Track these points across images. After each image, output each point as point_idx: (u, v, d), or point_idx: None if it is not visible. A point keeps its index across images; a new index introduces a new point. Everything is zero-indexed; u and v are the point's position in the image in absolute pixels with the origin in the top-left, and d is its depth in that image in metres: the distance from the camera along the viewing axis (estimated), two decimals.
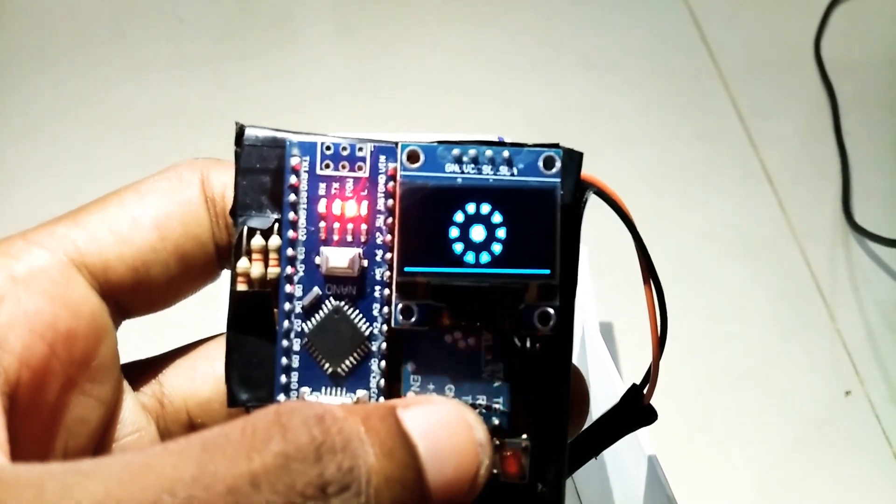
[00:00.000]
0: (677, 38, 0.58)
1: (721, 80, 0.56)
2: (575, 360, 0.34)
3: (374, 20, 0.59)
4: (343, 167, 0.17)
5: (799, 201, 0.49)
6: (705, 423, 0.41)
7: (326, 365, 0.17)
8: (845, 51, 0.57)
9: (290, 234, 0.17)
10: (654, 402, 0.20)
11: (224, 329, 0.18)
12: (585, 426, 0.19)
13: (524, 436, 0.17)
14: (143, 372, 0.18)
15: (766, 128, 0.53)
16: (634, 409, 0.20)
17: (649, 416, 0.20)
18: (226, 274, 0.18)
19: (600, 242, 0.39)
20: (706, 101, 0.55)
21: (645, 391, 0.19)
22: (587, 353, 0.32)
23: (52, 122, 0.53)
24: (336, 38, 0.58)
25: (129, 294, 0.17)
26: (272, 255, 0.17)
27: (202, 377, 0.18)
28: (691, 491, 0.38)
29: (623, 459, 0.28)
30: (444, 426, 0.15)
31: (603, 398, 0.28)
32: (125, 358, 0.18)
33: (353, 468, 0.13)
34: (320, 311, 0.17)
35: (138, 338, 0.20)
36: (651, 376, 0.19)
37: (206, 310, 0.24)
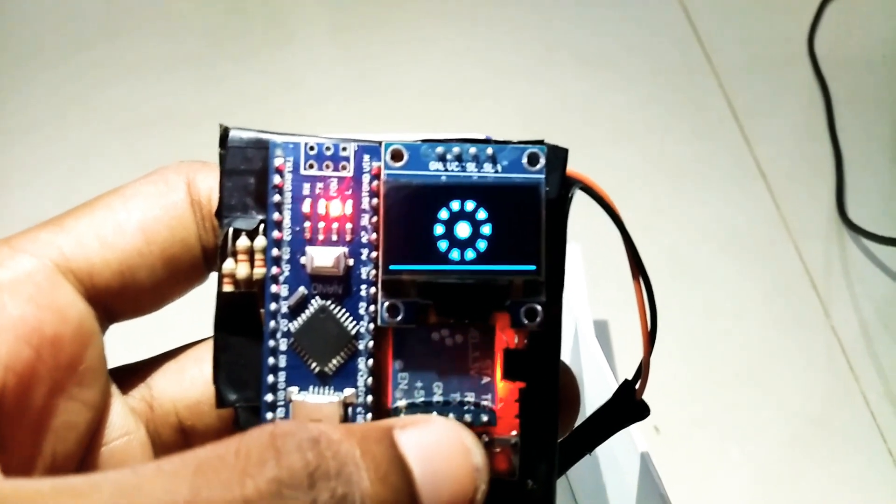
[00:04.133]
0: (672, 36, 0.58)
1: (715, 78, 0.56)
2: (568, 358, 0.34)
3: (369, 20, 0.59)
4: (327, 167, 0.17)
5: (793, 198, 0.49)
6: (700, 420, 0.41)
7: (314, 364, 0.17)
8: (839, 48, 0.57)
9: (275, 234, 0.17)
10: (650, 399, 0.19)
11: (212, 332, 0.18)
12: (578, 423, 0.19)
13: (513, 432, 0.17)
14: (131, 376, 0.18)
15: (761, 125, 0.53)
16: (627, 405, 0.20)
17: (641, 411, 0.20)
18: (213, 277, 0.18)
19: (595, 240, 0.39)
20: (701, 98, 0.55)
21: (637, 387, 0.19)
22: (580, 351, 0.32)
23: (45, 122, 0.53)
24: (330, 38, 0.58)
25: (116, 298, 0.17)
26: (258, 256, 0.17)
27: (191, 380, 0.18)
28: (687, 488, 0.38)
29: (616, 457, 0.28)
30: (440, 449, 0.14)
31: (596, 396, 0.28)
32: (113, 362, 0.18)
33: (347, 494, 0.12)
34: (306, 311, 0.17)
35: (126, 342, 0.20)
36: (642, 372, 0.19)
37: (194, 313, 0.24)
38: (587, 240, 0.38)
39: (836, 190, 0.49)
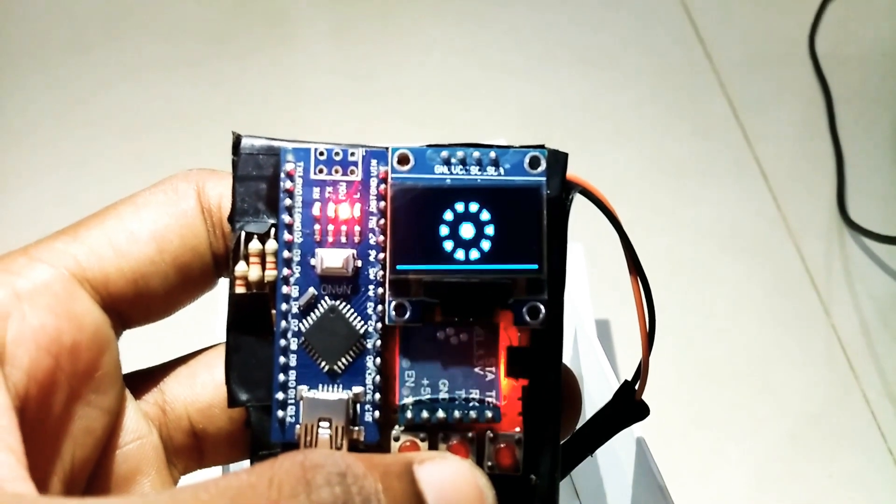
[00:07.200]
0: (672, 35, 0.59)
1: (716, 76, 0.56)
2: (568, 360, 0.34)
3: (369, 20, 0.60)
4: (336, 171, 0.18)
5: (794, 197, 0.50)
6: (700, 419, 0.41)
7: (323, 363, 0.17)
8: (840, 46, 0.57)
9: (286, 236, 0.17)
10: (649, 397, 0.20)
11: (222, 338, 0.18)
12: (579, 425, 0.20)
13: (517, 428, 0.17)
14: (144, 381, 0.19)
15: (761, 123, 0.53)
16: (627, 406, 0.20)
17: (641, 411, 0.20)
18: (223, 283, 0.19)
19: (597, 239, 0.39)
20: (701, 97, 0.55)
21: (636, 387, 0.20)
22: (580, 352, 0.32)
23: (47, 124, 0.53)
24: (331, 39, 0.59)
25: (130, 305, 0.18)
26: (269, 259, 0.18)
27: (202, 384, 0.18)
28: (686, 485, 0.39)
29: (613, 445, 0.28)
30: (456, 488, 0.15)
31: (598, 397, 0.28)
32: (126, 368, 0.18)
33: None
34: (316, 311, 0.17)
35: (139, 348, 0.20)
36: (642, 372, 0.19)
37: (205, 319, 0.25)
38: (589, 240, 0.39)
39: (837, 188, 0.50)
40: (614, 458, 0.29)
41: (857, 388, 0.42)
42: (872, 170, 0.51)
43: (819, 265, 0.47)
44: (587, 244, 0.39)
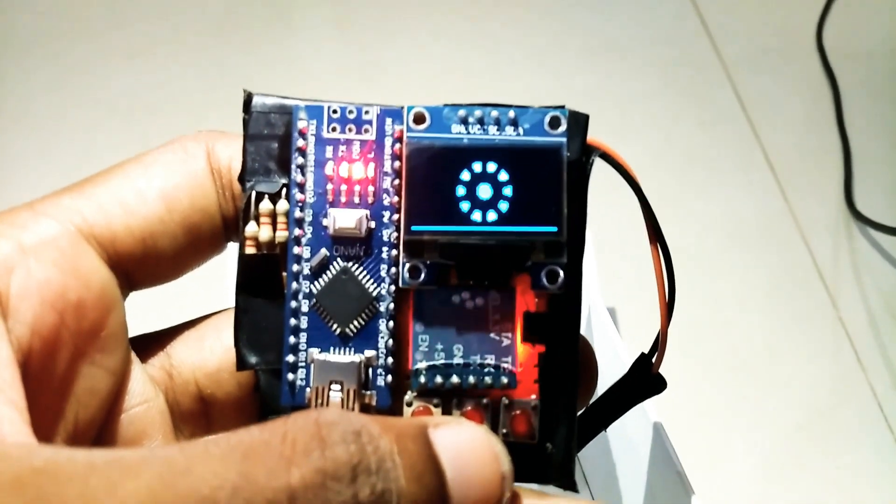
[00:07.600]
0: (679, 27, 0.58)
1: (723, 69, 0.56)
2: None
3: (374, 7, 0.59)
4: (350, 130, 0.17)
5: (801, 190, 0.49)
6: (708, 411, 0.41)
7: (335, 325, 0.17)
8: (847, 40, 0.57)
9: (298, 196, 0.17)
10: None
11: (230, 303, 0.18)
12: (594, 399, 0.19)
13: (533, 396, 0.17)
14: (151, 345, 0.18)
15: (769, 117, 0.53)
16: (643, 379, 0.20)
17: (659, 384, 0.20)
18: (232, 250, 0.18)
19: (603, 230, 0.39)
20: (708, 90, 0.55)
21: (653, 360, 0.19)
22: (593, 332, 0.32)
23: (49, 108, 0.53)
24: (335, 25, 0.58)
25: (137, 265, 0.17)
26: (280, 219, 0.17)
27: (210, 349, 0.18)
28: (693, 477, 0.38)
29: (627, 429, 0.28)
30: (472, 454, 0.14)
31: (610, 374, 0.28)
32: (132, 332, 0.18)
33: (386, 492, 0.12)
34: (328, 272, 0.17)
35: (145, 315, 0.20)
36: (660, 344, 0.19)
37: (213, 286, 0.24)
38: (595, 228, 0.38)
39: (844, 181, 0.49)
40: (627, 443, 0.28)
41: (865, 381, 0.42)
42: (880, 162, 0.51)
43: (826, 257, 0.46)
44: (594, 233, 0.39)
